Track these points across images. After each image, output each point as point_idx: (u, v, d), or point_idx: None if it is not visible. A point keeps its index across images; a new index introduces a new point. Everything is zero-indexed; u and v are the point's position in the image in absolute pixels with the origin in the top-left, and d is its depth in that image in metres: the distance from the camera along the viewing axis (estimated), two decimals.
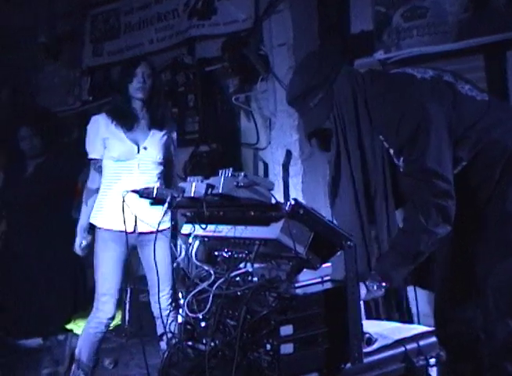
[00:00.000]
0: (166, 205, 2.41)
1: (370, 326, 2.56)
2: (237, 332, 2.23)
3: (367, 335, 2.41)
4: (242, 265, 2.46)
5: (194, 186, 2.29)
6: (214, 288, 2.39)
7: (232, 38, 5.48)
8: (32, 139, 5.45)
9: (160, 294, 4.24)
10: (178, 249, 4.18)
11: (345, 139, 2.96)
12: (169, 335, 2.58)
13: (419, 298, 3.24)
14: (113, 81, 5.38)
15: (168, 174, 4.37)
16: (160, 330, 4.35)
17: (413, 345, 2.50)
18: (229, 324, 2.32)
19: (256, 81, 5.38)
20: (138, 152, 4.15)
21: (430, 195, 2.71)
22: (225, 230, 2.46)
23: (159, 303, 4.17)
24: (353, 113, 2.93)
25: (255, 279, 2.37)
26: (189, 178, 2.36)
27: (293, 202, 2.19)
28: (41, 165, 5.49)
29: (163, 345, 4.23)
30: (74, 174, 5.50)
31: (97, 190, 4.24)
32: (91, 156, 4.26)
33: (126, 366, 5.25)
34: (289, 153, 5.15)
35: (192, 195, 2.29)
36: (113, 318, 4.27)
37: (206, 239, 2.56)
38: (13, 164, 5.73)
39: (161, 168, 4.26)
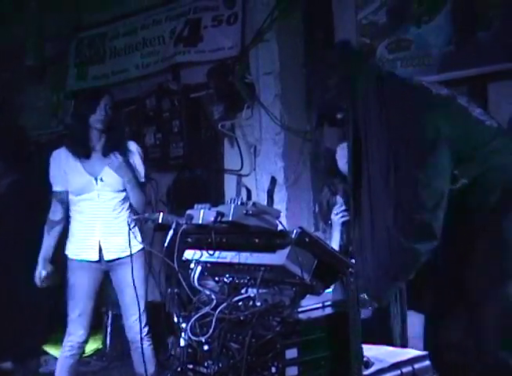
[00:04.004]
0: (171, 232, 2.46)
1: (366, 350, 2.63)
2: (243, 355, 2.29)
3: (365, 358, 2.49)
4: (243, 291, 2.54)
5: (202, 214, 2.36)
6: (217, 312, 2.46)
7: (218, 65, 5.54)
8: None
9: (134, 318, 4.30)
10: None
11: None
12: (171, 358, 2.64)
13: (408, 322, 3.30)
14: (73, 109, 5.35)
15: (135, 196, 4.34)
16: (134, 355, 4.40)
17: (408, 369, 2.59)
18: (233, 348, 2.39)
19: (241, 108, 5.42)
20: (97, 183, 4.23)
21: (414, 210, 2.76)
22: (229, 256, 2.53)
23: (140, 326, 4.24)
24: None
25: (258, 303, 2.44)
26: (196, 206, 2.43)
27: (299, 230, 2.28)
28: (12, 185, 5.53)
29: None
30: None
31: (59, 222, 4.33)
32: (54, 188, 4.35)
33: None
34: (274, 180, 5.23)
35: (201, 222, 2.36)
36: (86, 341, 4.40)
37: (208, 265, 2.63)
38: None
39: (123, 193, 4.31)
